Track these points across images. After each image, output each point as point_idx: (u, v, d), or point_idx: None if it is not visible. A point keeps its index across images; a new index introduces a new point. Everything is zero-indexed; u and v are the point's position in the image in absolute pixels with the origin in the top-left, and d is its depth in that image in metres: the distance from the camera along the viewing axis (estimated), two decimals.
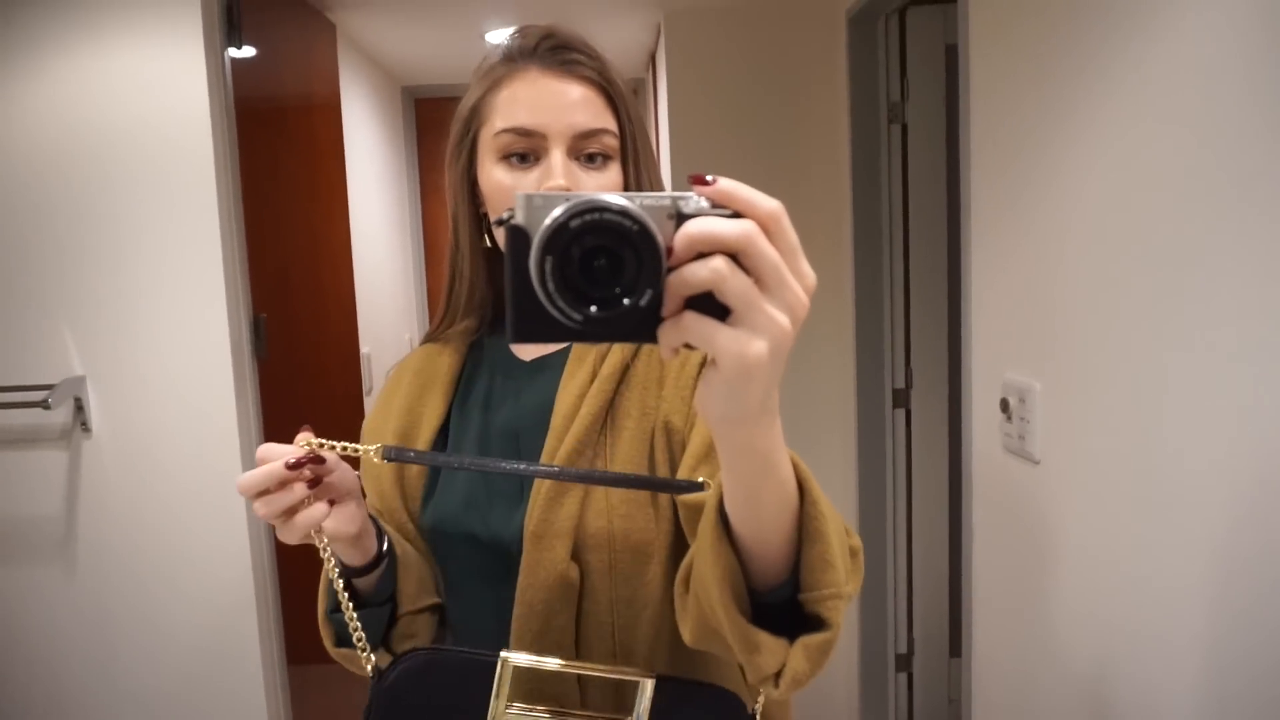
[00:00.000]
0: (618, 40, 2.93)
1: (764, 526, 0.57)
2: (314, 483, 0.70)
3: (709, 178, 0.45)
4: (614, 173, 0.82)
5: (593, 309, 0.43)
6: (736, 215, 0.45)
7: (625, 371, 0.84)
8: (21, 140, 1.67)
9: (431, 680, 0.76)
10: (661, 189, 0.84)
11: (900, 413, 2.43)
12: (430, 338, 0.96)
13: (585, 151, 0.80)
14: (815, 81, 2.45)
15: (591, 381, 0.83)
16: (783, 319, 0.44)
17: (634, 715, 0.72)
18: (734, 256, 0.44)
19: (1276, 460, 0.86)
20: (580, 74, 0.81)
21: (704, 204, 0.45)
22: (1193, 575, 1.00)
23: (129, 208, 1.70)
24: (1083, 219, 1.21)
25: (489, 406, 0.89)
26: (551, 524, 0.79)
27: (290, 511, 0.69)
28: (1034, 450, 1.37)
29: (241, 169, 1.82)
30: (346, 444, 0.74)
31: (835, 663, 2.59)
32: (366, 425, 0.94)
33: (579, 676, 0.78)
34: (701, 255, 0.43)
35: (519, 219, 0.44)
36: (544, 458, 0.81)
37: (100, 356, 1.73)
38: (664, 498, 0.80)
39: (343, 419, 2.28)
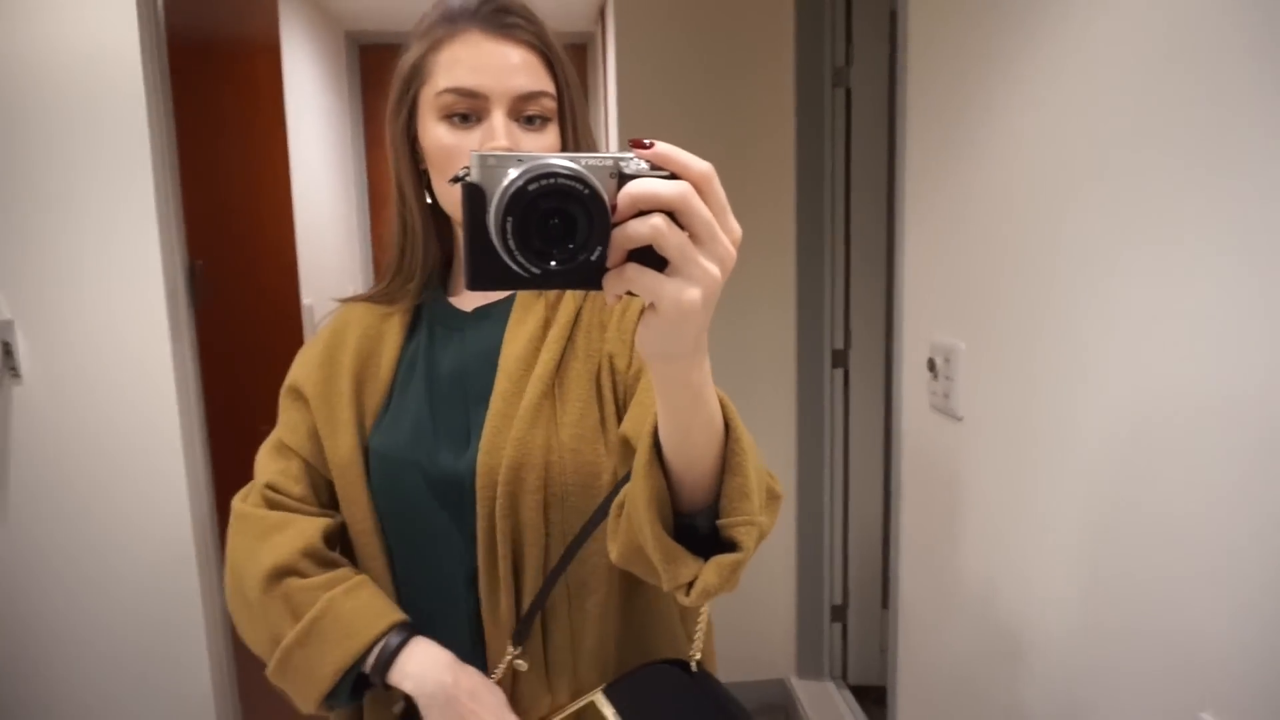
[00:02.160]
0: None
1: (692, 455, 0.63)
2: None
3: (647, 141, 0.50)
4: (551, 134, 0.85)
5: (551, 264, 0.48)
6: (672, 176, 0.50)
7: (576, 317, 0.89)
8: None
9: None
10: (596, 148, 0.87)
11: (839, 372, 2.49)
12: (376, 296, 0.97)
13: (525, 113, 0.83)
14: (762, 44, 2.46)
15: (545, 328, 0.87)
16: (714, 269, 0.50)
17: None
18: (670, 214, 0.49)
19: (1176, 418, 0.92)
20: (521, 38, 0.83)
21: (643, 165, 0.50)
22: (1089, 526, 1.07)
23: (55, 143, 1.65)
24: (1008, 185, 1.25)
25: (433, 353, 0.91)
26: (504, 458, 0.82)
27: None
28: (957, 408, 1.42)
29: (175, 107, 1.77)
30: None
31: (773, 612, 2.68)
32: (303, 377, 0.94)
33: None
34: (642, 213, 0.49)
35: (474, 177, 0.49)
36: (496, 397, 0.84)
37: (29, 300, 1.69)
38: (611, 433, 0.84)
39: (280, 370, 2.26)
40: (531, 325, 0.87)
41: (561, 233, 0.48)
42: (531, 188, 0.47)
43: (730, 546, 0.65)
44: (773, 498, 0.75)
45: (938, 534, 1.54)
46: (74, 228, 1.68)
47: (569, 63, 0.88)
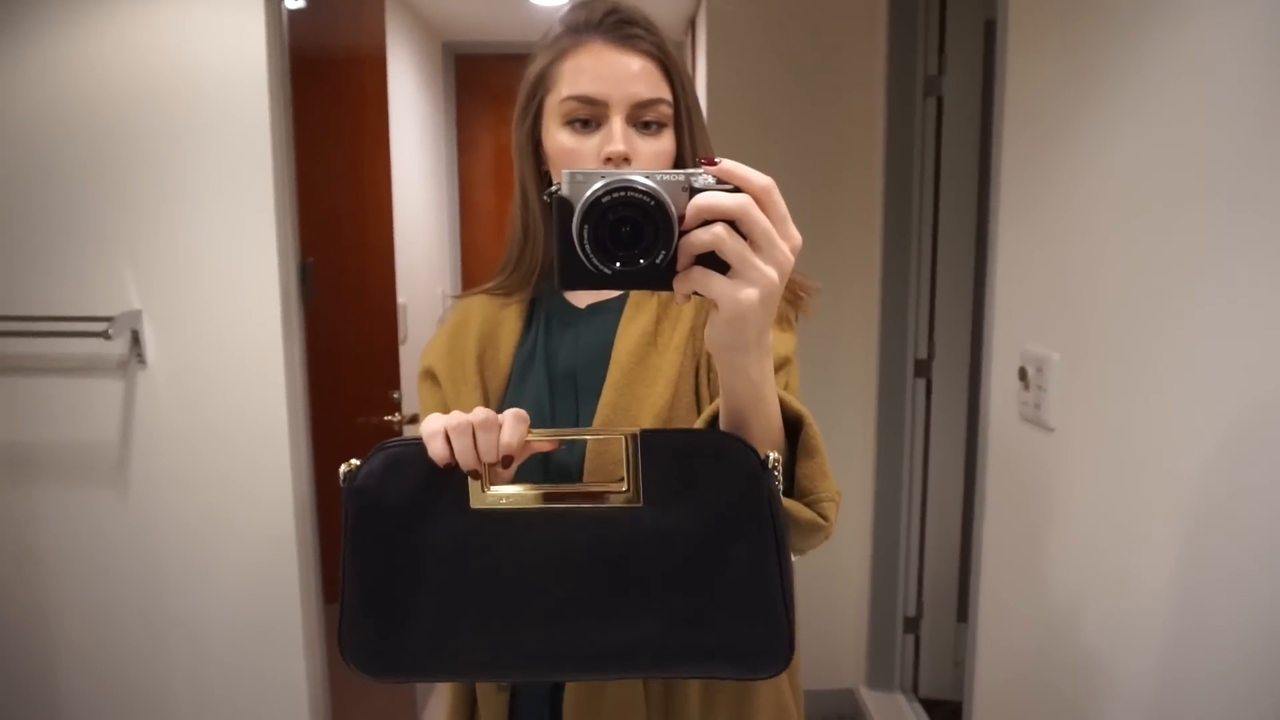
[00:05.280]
0: (658, 4, 2.94)
1: None
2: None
3: (715, 159, 0.58)
4: (667, 139, 0.90)
5: (617, 264, 0.57)
6: (737, 190, 0.58)
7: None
8: (89, 85, 1.74)
9: (401, 475, 0.70)
10: (711, 152, 0.92)
11: (921, 382, 2.48)
12: (494, 289, 1.02)
13: (642, 119, 0.88)
14: (853, 53, 2.47)
15: (656, 324, 0.92)
16: (771, 272, 0.57)
17: (625, 473, 0.69)
18: (733, 223, 0.57)
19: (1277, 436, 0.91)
20: (640, 48, 0.88)
21: (711, 180, 0.58)
22: (1188, 541, 1.06)
23: (188, 152, 1.77)
24: (1108, 196, 1.25)
25: (550, 346, 0.96)
26: (610, 452, 0.86)
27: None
28: (1049, 418, 1.42)
29: (294, 117, 1.88)
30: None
31: (844, 621, 2.68)
32: (435, 362, 0.99)
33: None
34: (707, 222, 0.57)
35: (564, 191, 0.58)
36: (608, 388, 0.89)
37: (157, 293, 1.81)
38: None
39: (379, 365, 2.36)
40: (643, 321, 0.92)
41: (631, 238, 0.57)
42: (605, 199, 0.56)
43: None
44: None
45: (1024, 547, 1.53)
46: (200, 225, 1.80)
47: (686, 71, 0.92)
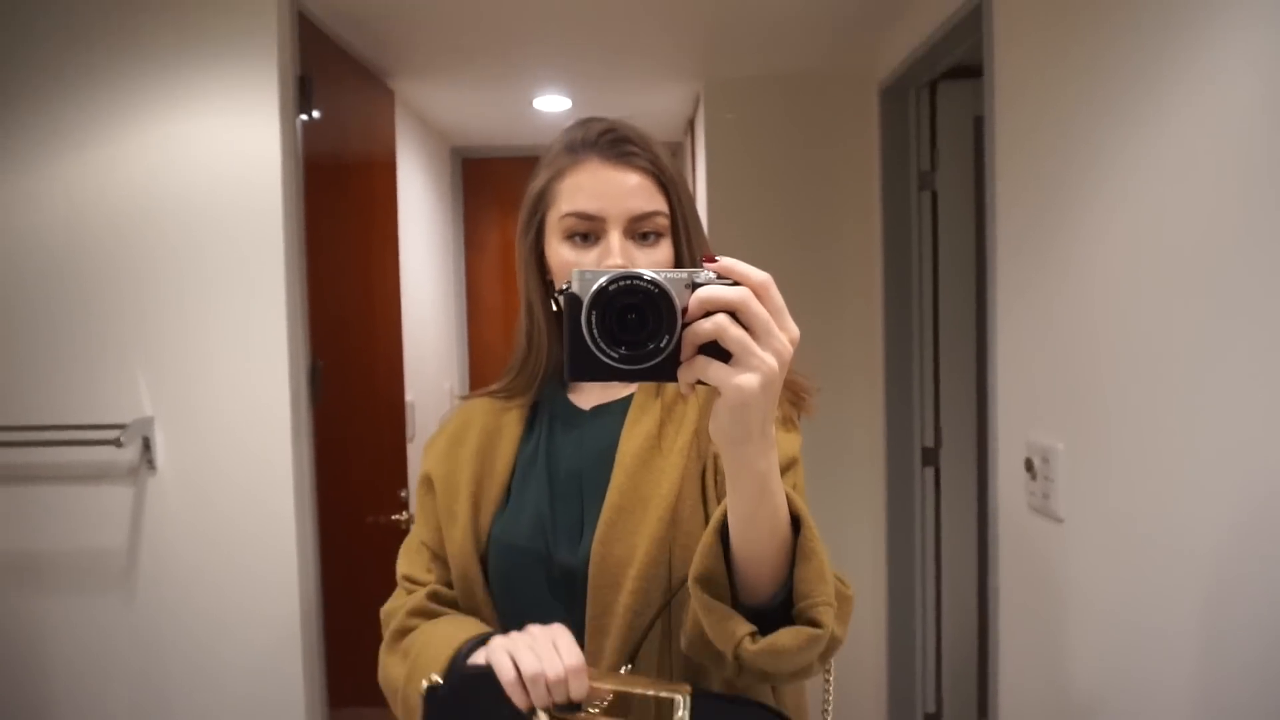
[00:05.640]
0: (658, 106, 3.06)
1: (757, 541, 0.71)
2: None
3: (716, 257, 0.62)
4: (665, 249, 0.93)
5: (622, 349, 0.61)
6: (736, 284, 0.62)
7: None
8: (110, 196, 1.81)
9: (477, 694, 0.79)
10: (710, 252, 0.94)
11: (929, 471, 2.47)
12: (498, 392, 1.04)
13: (640, 231, 0.92)
14: (848, 149, 2.56)
15: (660, 426, 0.93)
16: (771, 360, 0.60)
17: None
18: (734, 314, 0.60)
19: None
20: (636, 164, 0.92)
21: (712, 276, 0.62)
22: (1204, 632, 1.04)
23: (203, 260, 1.83)
24: (1102, 284, 1.27)
25: (553, 448, 0.98)
26: (615, 553, 0.87)
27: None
28: (1058, 509, 1.41)
29: (305, 224, 1.94)
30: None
31: (864, 718, 2.59)
32: (433, 468, 1.01)
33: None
34: (709, 313, 0.60)
35: (574, 288, 0.62)
36: (612, 490, 0.90)
37: (168, 399, 1.84)
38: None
39: (386, 464, 2.36)
40: (647, 424, 0.93)
41: (636, 325, 0.61)
42: (611, 288, 0.60)
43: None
44: (843, 600, 0.79)
45: (1040, 640, 1.50)
46: (212, 330, 1.84)
47: (683, 182, 0.96)
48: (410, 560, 1.00)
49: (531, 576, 0.92)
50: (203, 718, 1.88)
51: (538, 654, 0.75)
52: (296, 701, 1.91)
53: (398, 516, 2.22)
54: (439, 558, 0.98)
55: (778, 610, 0.74)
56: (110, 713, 1.87)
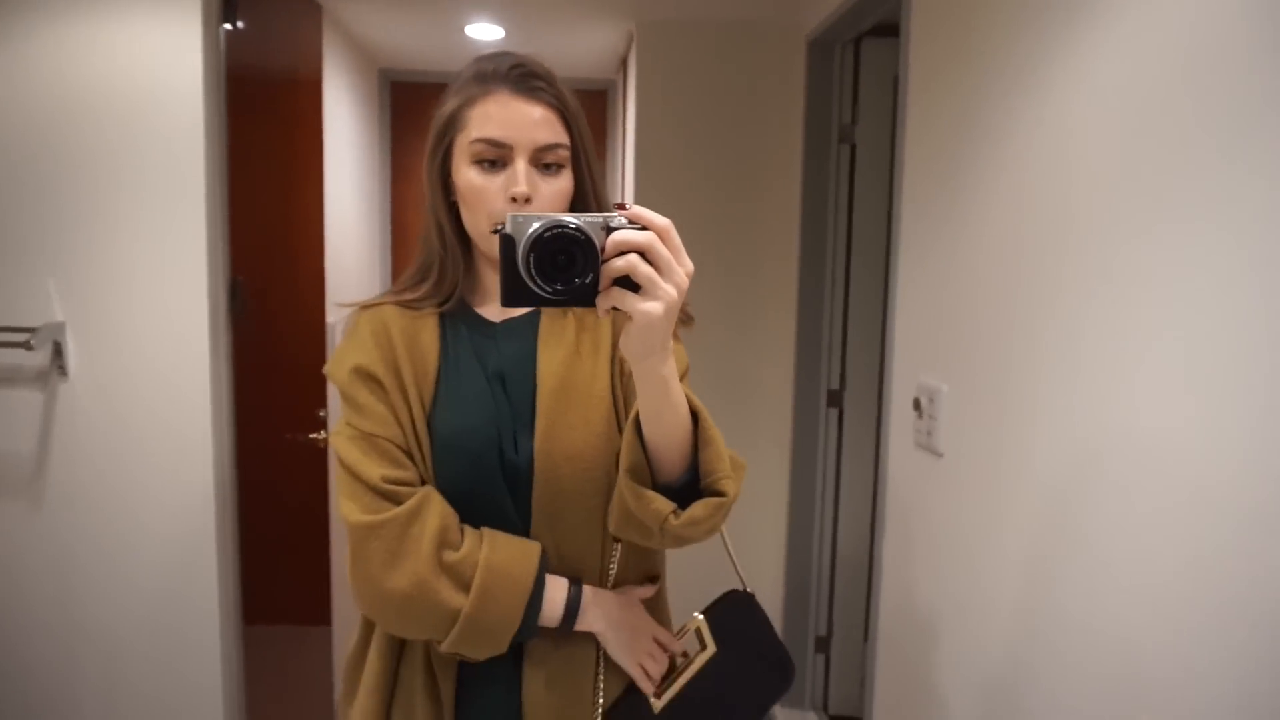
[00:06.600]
0: (593, 43, 3.05)
1: (664, 433, 0.88)
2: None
3: (626, 205, 0.76)
4: (566, 179, 1.01)
5: (558, 286, 0.75)
6: (644, 228, 0.76)
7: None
8: (22, 98, 1.75)
9: None
10: (605, 190, 1.07)
11: (834, 412, 2.61)
12: (404, 304, 1.07)
13: (543, 161, 1.00)
14: (774, 99, 2.62)
15: (577, 344, 1.04)
16: (672, 291, 0.76)
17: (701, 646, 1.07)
18: (642, 254, 0.75)
19: (1115, 456, 1.04)
20: (542, 99, 0.99)
21: (624, 221, 0.76)
22: (1032, 557, 1.18)
23: (118, 166, 1.79)
24: (993, 240, 1.38)
25: (475, 349, 1.05)
26: (559, 448, 0.99)
27: None
28: (939, 444, 1.54)
29: (229, 136, 1.91)
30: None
31: None
32: (371, 364, 1.01)
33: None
34: (622, 253, 0.74)
35: (508, 230, 0.76)
36: (542, 396, 1.00)
37: (82, 305, 1.82)
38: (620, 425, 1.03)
39: (306, 384, 2.37)
40: (568, 337, 1.04)
41: (566, 265, 0.74)
42: (546, 235, 0.74)
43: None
44: (737, 465, 0.94)
45: (917, 566, 1.64)
46: (129, 240, 1.81)
47: (583, 118, 1.04)
48: (371, 459, 0.97)
49: (486, 464, 0.99)
50: (112, 625, 1.90)
51: (653, 655, 1.04)
52: (210, 618, 1.94)
53: (316, 435, 2.25)
54: (405, 450, 1.00)
55: (686, 487, 0.91)
56: (15, 617, 1.88)
